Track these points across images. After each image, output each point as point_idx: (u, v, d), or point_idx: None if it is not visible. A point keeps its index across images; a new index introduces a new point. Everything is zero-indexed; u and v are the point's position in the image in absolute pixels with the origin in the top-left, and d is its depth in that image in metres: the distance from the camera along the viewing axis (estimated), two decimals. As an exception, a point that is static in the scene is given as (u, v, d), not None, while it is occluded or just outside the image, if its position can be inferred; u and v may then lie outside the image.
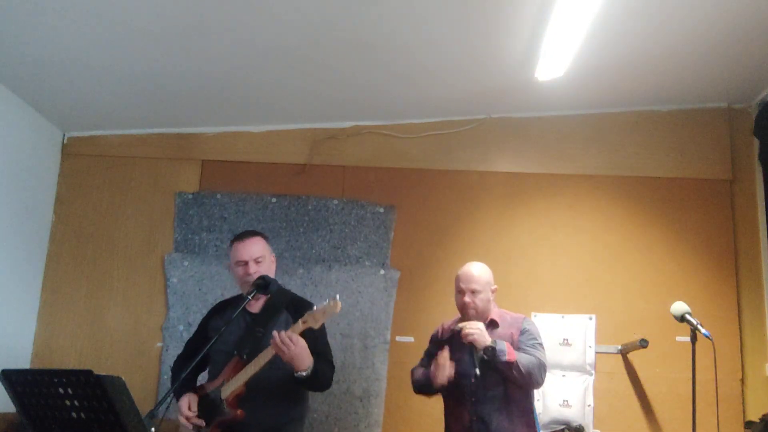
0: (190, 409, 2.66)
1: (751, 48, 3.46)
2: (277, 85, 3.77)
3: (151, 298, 4.08)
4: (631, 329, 3.84)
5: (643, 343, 3.68)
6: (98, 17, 3.02)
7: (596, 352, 3.85)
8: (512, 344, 2.86)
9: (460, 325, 2.89)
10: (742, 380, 3.80)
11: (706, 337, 2.81)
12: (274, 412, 2.68)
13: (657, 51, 3.45)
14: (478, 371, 2.76)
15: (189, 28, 3.14)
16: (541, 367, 2.83)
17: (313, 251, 4.07)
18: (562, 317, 3.90)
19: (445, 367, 2.82)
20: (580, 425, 3.70)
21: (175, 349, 3.85)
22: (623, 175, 4.11)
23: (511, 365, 2.76)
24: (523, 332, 2.93)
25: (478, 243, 4.04)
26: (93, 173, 4.27)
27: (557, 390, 3.79)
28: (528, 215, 4.10)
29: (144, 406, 2.13)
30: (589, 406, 3.78)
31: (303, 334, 2.56)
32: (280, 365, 2.58)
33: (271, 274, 2.84)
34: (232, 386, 2.61)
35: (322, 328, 2.80)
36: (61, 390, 1.94)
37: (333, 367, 2.78)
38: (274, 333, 2.54)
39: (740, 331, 3.87)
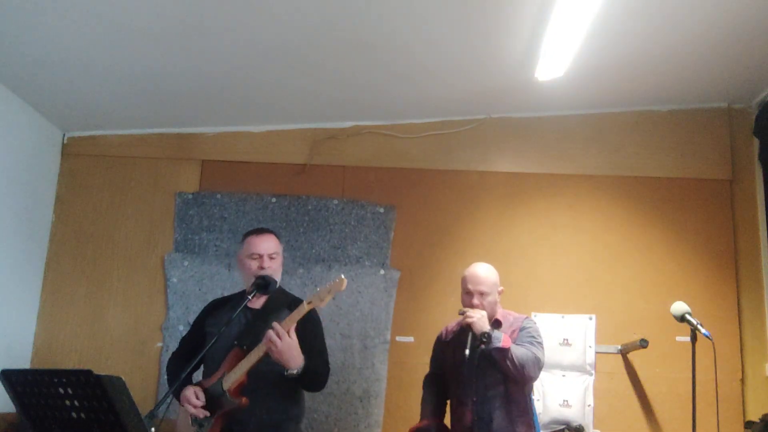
0: (197, 398, 2.64)
1: (751, 48, 3.46)
2: (277, 85, 3.77)
3: (151, 298, 4.08)
4: (631, 329, 3.84)
5: (643, 343, 3.68)
6: (98, 17, 3.02)
7: (596, 352, 3.85)
8: (511, 340, 2.89)
9: (464, 308, 2.94)
10: (742, 380, 3.81)
11: (706, 337, 2.81)
12: (274, 407, 2.68)
13: (657, 51, 3.45)
14: (468, 352, 2.80)
15: (189, 28, 3.14)
16: (536, 362, 2.84)
17: (313, 251, 4.07)
18: (562, 317, 3.90)
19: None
20: (580, 425, 3.71)
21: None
22: (623, 175, 4.11)
23: (504, 353, 2.78)
24: (522, 329, 2.97)
25: (478, 243, 4.04)
26: (93, 173, 4.27)
27: (557, 390, 3.79)
28: (528, 215, 4.10)
29: (144, 406, 2.13)
30: (589, 406, 3.78)
31: (299, 333, 2.56)
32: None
33: (280, 273, 2.86)
34: (233, 376, 2.61)
35: (320, 329, 2.82)
36: (61, 390, 1.94)
37: (328, 368, 2.78)
38: (273, 324, 2.54)
39: (740, 331, 3.87)
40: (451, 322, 3.21)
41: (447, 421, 3.10)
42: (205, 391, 2.67)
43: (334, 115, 4.20)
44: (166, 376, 2.99)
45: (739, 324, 3.88)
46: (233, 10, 2.99)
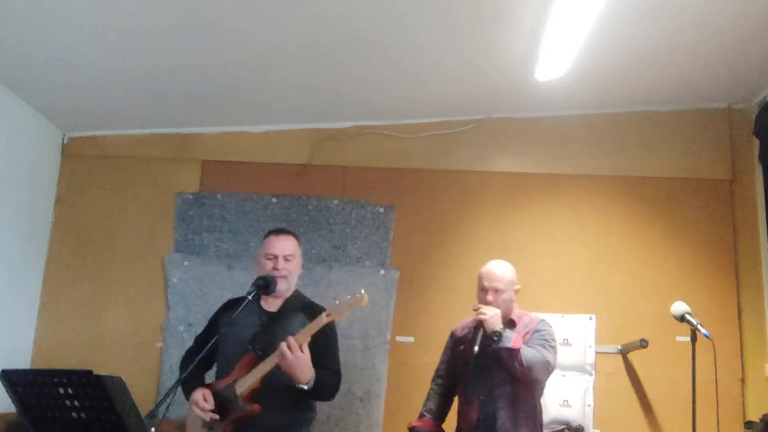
0: (206, 401, 2.63)
1: (751, 48, 3.46)
2: (277, 85, 3.77)
3: (151, 298, 4.08)
4: (631, 329, 3.84)
5: (643, 343, 3.68)
6: (98, 17, 3.02)
7: (596, 352, 3.85)
8: (523, 341, 2.87)
9: (478, 305, 2.92)
10: (742, 380, 3.81)
11: (706, 337, 2.81)
12: (285, 410, 2.67)
13: (657, 51, 3.45)
14: (477, 349, 2.78)
15: (189, 28, 3.14)
16: (545, 365, 2.83)
17: (314, 251, 4.07)
18: (562, 317, 3.90)
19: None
20: (580, 425, 3.70)
21: (175, 349, 3.86)
22: (623, 175, 4.11)
23: (513, 353, 2.77)
24: (536, 331, 2.95)
25: (478, 243, 4.03)
26: (93, 173, 4.27)
27: (557, 390, 3.79)
28: (528, 215, 4.10)
29: (144, 406, 2.13)
30: (589, 406, 3.77)
31: (313, 342, 2.55)
32: None
33: (297, 275, 2.84)
34: (247, 382, 2.59)
35: (333, 338, 2.79)
36: (61, 390, 1.94)
37: (339, 377, 2.75)
38: (287, 338, 2.52)
39: (740, 331, 3.87)
40: (468, 318, 3.18)
41: (446, 422, 3.10)
42: (217, 393, 2.66)
43: (335, 116, 4.20)
44: (170, 378, 2.98)
45: (739, 324, 3.88)
46: (234, 10, 2.99)
